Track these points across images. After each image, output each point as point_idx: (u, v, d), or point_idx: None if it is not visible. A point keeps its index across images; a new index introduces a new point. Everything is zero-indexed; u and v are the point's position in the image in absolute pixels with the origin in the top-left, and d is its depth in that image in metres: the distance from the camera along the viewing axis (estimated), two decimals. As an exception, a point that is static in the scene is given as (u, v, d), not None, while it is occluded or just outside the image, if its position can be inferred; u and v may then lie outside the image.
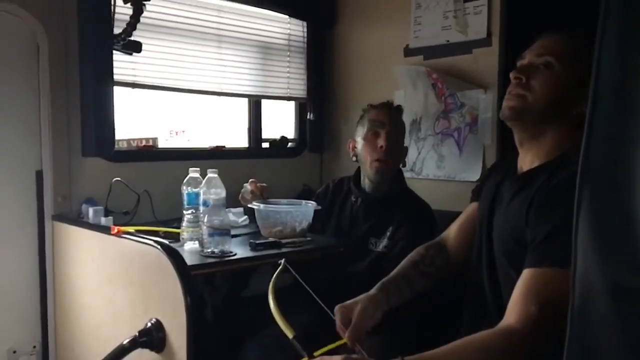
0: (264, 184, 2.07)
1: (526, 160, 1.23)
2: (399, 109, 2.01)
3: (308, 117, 2.85)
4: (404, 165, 2.07)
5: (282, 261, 1.28)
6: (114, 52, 2.09)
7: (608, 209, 0.62)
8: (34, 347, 2.06)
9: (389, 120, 1.92)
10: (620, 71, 0.62)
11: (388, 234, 1.87)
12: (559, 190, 1.08)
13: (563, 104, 1.15)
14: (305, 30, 2.82)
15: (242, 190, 2.09)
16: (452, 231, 1.51)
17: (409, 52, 2.52)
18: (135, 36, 2.11)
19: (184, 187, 1.81)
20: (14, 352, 2.01)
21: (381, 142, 1.89)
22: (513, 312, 1.01)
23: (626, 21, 0.60)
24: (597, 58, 0.63)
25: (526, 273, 1.04)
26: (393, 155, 1.92)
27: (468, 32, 2.30)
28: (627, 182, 0.60)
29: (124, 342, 1.50)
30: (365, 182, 1.99)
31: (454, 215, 1.81)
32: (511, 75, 1.21)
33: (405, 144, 2.07)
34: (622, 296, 0.58)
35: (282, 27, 2.76)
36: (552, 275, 1.00)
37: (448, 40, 2.37)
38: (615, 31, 0.62)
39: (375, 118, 1.94)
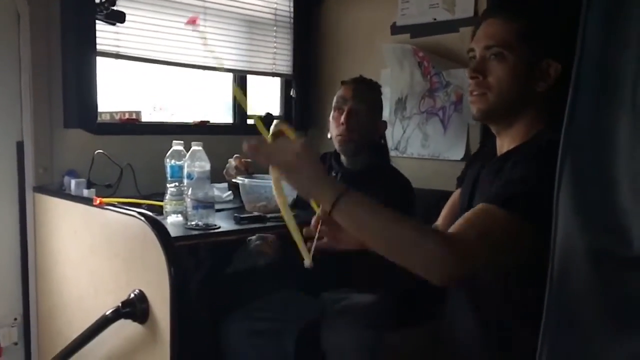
0: (249, 160, 2.06)
1: (504, 145, 1.25)
2: (367, 84, 2.00)
3: (292, 93, 2.83)
4: (383, 140, 2.08)
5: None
6: (97, 22, 2.05)
7: (589, 177, 0.63)
8: (15, 319, 2.05)
9: (351, 96, 1.93)
10: (602, 48, 0.63)
11: None
12: (522, 157, 1.10)
13: (525, 89, 1.16)
14: (292, 5, 2.80)
15: (227, 165, 2.09)
16: (439, 221, 1.51)
17: (396, 29, 2.51)
18: (119, 6, 2.07)
19: (168, 160, 1.79)
20: (-5, 324, 2.00)
21: (342, 118, 1.91)
22: (453, 229, 1.01)
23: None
24: (581, 34, 0.64)
25: (478, 206, 1.05)
26: (355, 130, 1.92)
27: (455, 11, 2.29)
28: (607, 151, 0.61)
29: (107, 313, 1.49)
30: (342, 157, 2.01)
31: (438, 194, 1.82)
32: (467, 74, 1.21)
33: (384, 119, 2.07)
34: (601, 261, 0.60)
35: (268, 1, 2.72)
36: (499, 215, 0.99)
37: (435, 19, 2.37)
38: (600, 7, 0.62)
39: (340, 94, 1.98)
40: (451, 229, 1.01)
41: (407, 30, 2.47)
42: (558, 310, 0.66)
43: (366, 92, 1.97)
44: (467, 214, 1.03)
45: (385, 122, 2.07)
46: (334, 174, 2.03)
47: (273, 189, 1.11)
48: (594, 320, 0.63)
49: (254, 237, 1.70)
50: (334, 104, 1.99)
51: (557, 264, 0.64)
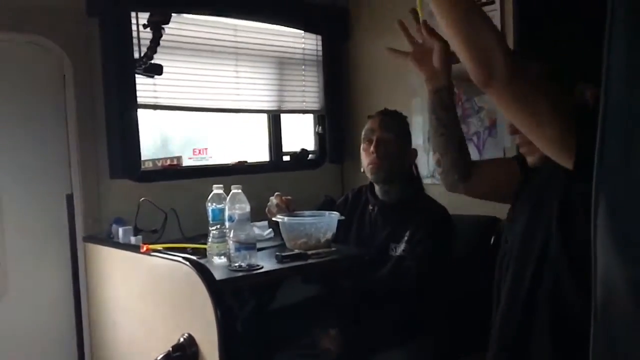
0: (289, 197, 2.10)
1: None
2: (392, 115, 2.05)
3: (317, 129, 2.90)
4: (415, 168, 2.09)
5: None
6: (136, 75, 2.15)
7: (625, 207, 0.63)
8: (72, 367, 2.12)
9: (378, 126, 1.99)
10: (627, 86, 0.63)
11: (405, 238, 1.90)
12: None
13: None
14: (320, 44, 2.86)
15: (269, 204, 2.12)
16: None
17: (424, 59, 2.53)
18: (156, 59, 2.17)
19: (209, 204, 1.84)
20: (53, 372, 2.07)
21: (371, 148, 1.97)
22: None
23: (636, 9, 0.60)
24: (605, 75, 0.64)
25: None
26: (385, 157, 1.96)
27: (482, 37, 2.30)
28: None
29: (158, 358, 1.53)
30: (377, 189, 2.03)
31: (475, 219, 1.80)
32: (506, 130, 1.23)
33: (416, 147, 2.10)
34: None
35: (296, 41, 2.80)
36: None
37: (462, 46, 2.38)
38: (623, 24, 0.63)
39: (367, 127, 2.03)
40: None
41: (435, 59, 2.49)
42: (605, 343, 0.66)
43: (392, 122, 2.03)
44: None
45: (415, 150, 2.09)
46: (370, 207, 2.04)
47: None
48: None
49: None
50: (362, 137, 2.05)
51: (599, 298, 0.64)
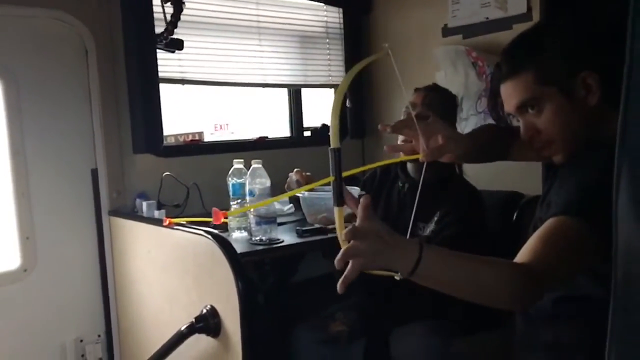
0: (309, 173, 2.09)
1: None
2: (439, 92, 1.97)
3: (347, 104, 2.86)
4: None
5: (386, 46, 1.18)
6: (158, 50, 2.16)
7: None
8: (99, 336, 2.19)
9: (421, 103, 1.91)
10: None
11: (435, 218, 1.84)
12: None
13: (581, 113, 1.10)
14: (342, 16, 2.83)
15: (288, 180, 2.13)
16: None
17: (447, 31, 2.49)
18: (177, 34, 2.18)
19: (229, 179, 1.86)
20: (81, 341, 2.14)
21: None
22: (529, 253, 0.99)
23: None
24: (630, 35, 0.62)
25: (549, 222, 1.02)
26: None
27: (507, 8, 2.25)
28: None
29: (182, 329, 1.57)
30: (409, 166, 1.98)
31: (498, 194, 1.77)
32: (522, 135, 1.17)
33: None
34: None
35: (318, 15, 2.77)
36: (571, 225, 0.98)
37: (487, 18, 2.33)
38: None
39: (410, 101, 1.94)
40: (528, 253, 0.99)
41: (459, 32, 2.45)
42: (625, 315, 0.65)
43: (436, 100, 1.93)
44: (539, 233, 1.01)
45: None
46: (400, 184, 2.00)
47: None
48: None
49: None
50: (403, 109, 1.98)
51: (620, 270, 0.63)
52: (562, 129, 1.12)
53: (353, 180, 2.46)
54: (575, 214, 0.99)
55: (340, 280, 0.91)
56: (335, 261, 0.90)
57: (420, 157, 1.24)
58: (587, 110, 1.09)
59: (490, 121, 2.34)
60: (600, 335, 0.71)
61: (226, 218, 1.35)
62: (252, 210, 1.75)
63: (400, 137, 1.71)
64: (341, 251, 0.90)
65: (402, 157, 1.39)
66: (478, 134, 1.39)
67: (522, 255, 1.01)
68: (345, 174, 0.97)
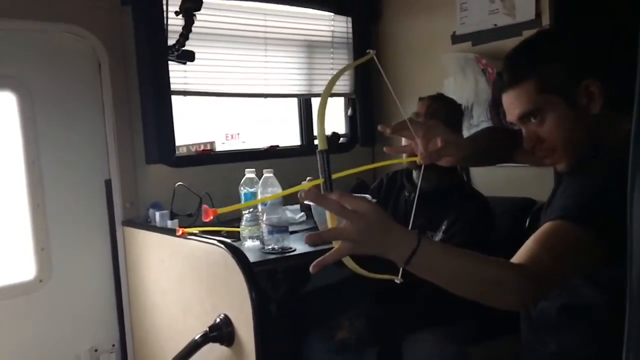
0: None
1: None
2: (443, 101, 1.97)
3: (348, 112, 2.89)
4: None
5: (371, 51, 1.15)
6: (169, 62, 2.19)
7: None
8: (113, 345, 2.20)
9: (425, 112, 1.91)
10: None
11: (443, 227, 1.83)
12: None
13: (582, 121, 1.10)
14: (350, 25, 2.84)
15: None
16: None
17: (456, 39, 2.50)
18: (187, 45, 2.20)
19: (241, 188, 1.87)
20: (96, 350, 2.16)
21: None
22: (527, 254, 0.98)
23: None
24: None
25: (547, 225, 1.02)
26: None
27: (516, 14, 2.25)
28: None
29: (196, 338, 1.58)
30: (414, 175, 1.98)
31: (510, 201, 1.76)
32: (525, 145, 1.17)
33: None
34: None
35: (326, 24, 2.79)
36: (568, 228, 0.98)
37: (496, 24, 2.34)
38: None
39: (415, 110, 1.95)
40: (524, 254, 0.99)
41: (467, 39, 2.45)
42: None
43: (440, 109, 1.93)
44: (536, 235, 1.01)
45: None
46: (406, 193, 2.00)
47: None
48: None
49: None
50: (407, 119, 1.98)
51: (635, 282, 0.63)
52: (564, 138, 1.11)
53: (363, 187, 2.47)
54: (574, 218, 0.99)
55: (317, 260, 0.89)
56: (311, 239, 0.89)
57: (417, 159, 1.24)
58: (589, 118, 1.09)
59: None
60: (605, 343, 0.70)
61: (216, 216, 1.37)
62: (264, 219, 1.76)
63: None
64: (330, 230, 0.90)
65: (403, 159, 1.39)
66: (480, 138, 1.39)
67: (519, 256, 1.00)
68: (334, 176, 0.96)
